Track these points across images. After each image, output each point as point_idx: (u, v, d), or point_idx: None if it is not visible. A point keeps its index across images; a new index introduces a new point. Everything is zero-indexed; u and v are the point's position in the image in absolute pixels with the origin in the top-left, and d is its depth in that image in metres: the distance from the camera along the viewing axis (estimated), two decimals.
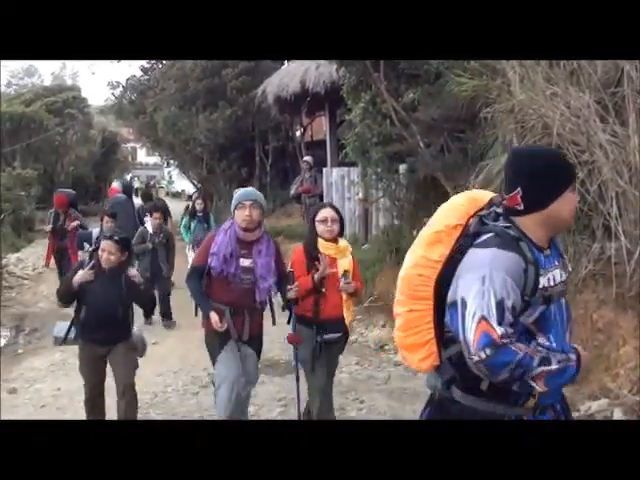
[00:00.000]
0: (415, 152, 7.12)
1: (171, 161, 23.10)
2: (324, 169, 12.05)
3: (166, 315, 8.13)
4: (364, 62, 7.30)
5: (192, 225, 9.20)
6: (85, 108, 28.06)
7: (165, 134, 16.98)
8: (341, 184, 11.33)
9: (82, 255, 8.84)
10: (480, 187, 5.81)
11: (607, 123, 4.97)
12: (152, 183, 44.59)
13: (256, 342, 4.25)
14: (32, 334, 8.14)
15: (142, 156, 44.99)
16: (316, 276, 4.11)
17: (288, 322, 4.29)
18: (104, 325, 4.27)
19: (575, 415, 4.60)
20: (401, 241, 7.38)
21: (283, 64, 14.33)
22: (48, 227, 9.72)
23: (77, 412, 5.04)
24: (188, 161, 18.33)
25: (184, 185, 22.31)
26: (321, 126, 15.82)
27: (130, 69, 52.67)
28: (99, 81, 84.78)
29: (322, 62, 10.47)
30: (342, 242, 4.33)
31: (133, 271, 4.50)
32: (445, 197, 6.95)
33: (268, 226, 13.57)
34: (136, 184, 36.58)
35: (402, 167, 7.66)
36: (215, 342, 4.12)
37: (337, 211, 4.33)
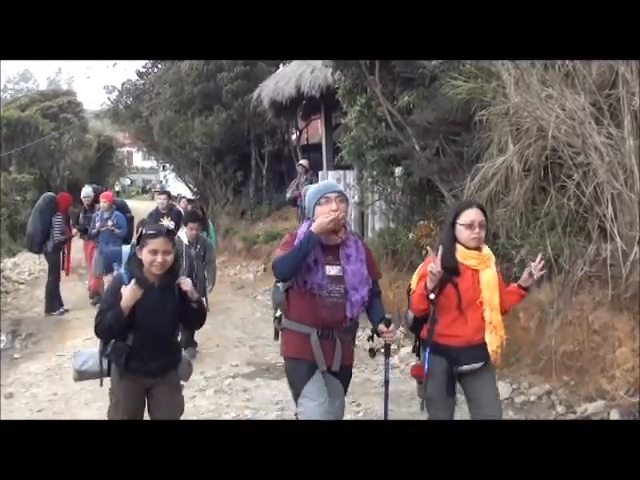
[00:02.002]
0: (410, 155, 7.12)
1: (167, 165, 23.06)
2: (320, 172, 12.06)
3: (190, 342, 6.74)
4: (359, 65, 7.31)
5: None
6: (81, 112, 27.99)
7: (161, 138, 16.97)
8: None
9: (108, 280, 6.58)
10: (476, 190, 5.83)
11: (602, 125, 4.99)
12: (148, 187, 44.70)
13: (346, 375, 3.48)
14: (28, 339, 8.12)
15: (138, 160, 45.04)
16: (429, 282, 3.20)
17: (413, 351, 3.64)
18: (160, 352, 3.37)
19: (572, 416, 4.62)
20: (397, 244, 7.38)
21: (278, 68, 14.33)
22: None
23: (73, 416, 5.04)
24: (184, 165, 18.28)
25: (180, 189, 22.26)
26: (317, 129, 15.85)
27: (125, 73, 52.66)
28: (95, 85, 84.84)
29: (317, 66, 10.47)
30: (485, 249, 3.41)
31: (187, 282, 3.39)
32: (441, 200, 6.97)
33: (264, 230, 13.52)
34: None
35: (398, 170, 7.66)
36: (298, 372, 3.34)
37: (484, 212, 3.41)
